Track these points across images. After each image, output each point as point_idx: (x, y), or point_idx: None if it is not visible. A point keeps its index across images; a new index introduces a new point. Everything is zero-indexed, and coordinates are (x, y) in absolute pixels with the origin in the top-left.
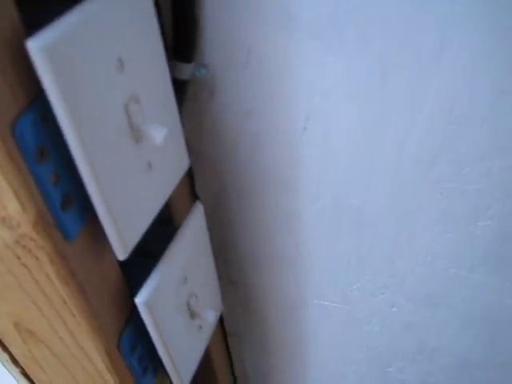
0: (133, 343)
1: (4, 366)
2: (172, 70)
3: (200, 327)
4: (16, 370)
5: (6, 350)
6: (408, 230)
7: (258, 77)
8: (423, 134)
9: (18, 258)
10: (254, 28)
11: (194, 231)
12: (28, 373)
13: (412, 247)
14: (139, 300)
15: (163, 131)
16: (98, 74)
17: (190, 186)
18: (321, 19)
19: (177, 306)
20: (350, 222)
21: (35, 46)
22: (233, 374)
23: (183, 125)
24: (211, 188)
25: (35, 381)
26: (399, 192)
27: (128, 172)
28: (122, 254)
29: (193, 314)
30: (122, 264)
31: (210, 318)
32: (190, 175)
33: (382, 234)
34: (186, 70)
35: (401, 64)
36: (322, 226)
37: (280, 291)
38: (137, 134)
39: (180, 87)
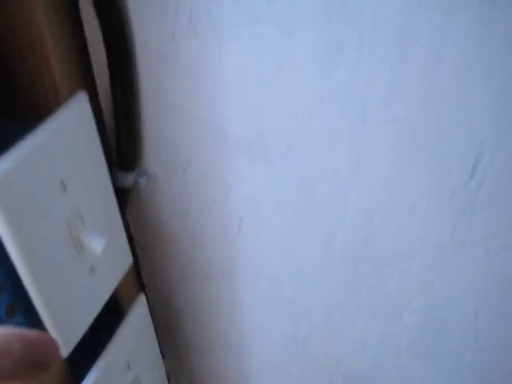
0: None
1: None
2: (115, 177)
3: None
4: None
5: None
6: (339, 320)
7: (195, 183)
8: (347, 237)
9: None
10: (192, 140)
11: (137, 321)
12: None
13: (344, 335)
14: None
15: (102, 242)
16: (42, 198)
17: (137, 277)
18: (248, 137)
19: None
20: (286, 311)
21: None
22: None
23: (128, 222)
24: (157, 277)
25: None
26: (328, 287)
27: (70, 278)
28: (64, 351)
29: None
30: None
31: None
32: (136, 266)
33: (315, 323)
34: (129, 178)
35: (322, 175)
36: (260, 314)
37: (224, 370)
38: (78, 245)
39: (123, 192)
